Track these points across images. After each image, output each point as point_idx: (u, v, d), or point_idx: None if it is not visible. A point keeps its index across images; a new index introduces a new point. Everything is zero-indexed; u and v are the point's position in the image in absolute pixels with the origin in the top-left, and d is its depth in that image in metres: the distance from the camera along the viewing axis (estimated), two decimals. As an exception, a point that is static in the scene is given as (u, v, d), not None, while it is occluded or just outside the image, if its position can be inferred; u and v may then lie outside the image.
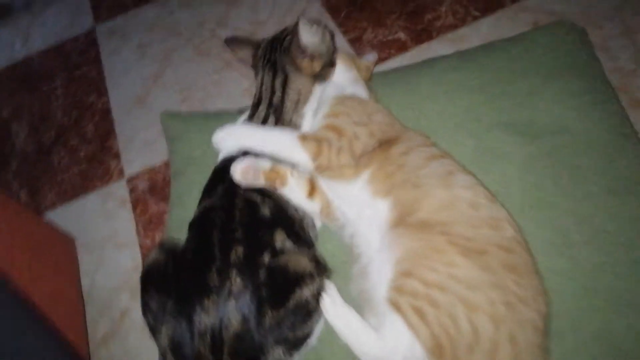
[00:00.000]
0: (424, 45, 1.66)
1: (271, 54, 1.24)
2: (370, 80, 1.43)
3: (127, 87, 1.87)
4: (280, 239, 1.02)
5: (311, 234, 1.17)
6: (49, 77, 1.98)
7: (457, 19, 1.69)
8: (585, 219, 1.12)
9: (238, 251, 0.95)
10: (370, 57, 1.47)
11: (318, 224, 1.22)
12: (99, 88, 1.88)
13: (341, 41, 1.75)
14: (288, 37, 1.24)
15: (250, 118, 1.23)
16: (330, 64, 1.26)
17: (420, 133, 1.23)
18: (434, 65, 1.44)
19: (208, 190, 1.13)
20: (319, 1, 1.88)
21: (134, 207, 1.56)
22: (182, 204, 1.36)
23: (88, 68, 1.96)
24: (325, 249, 1.17)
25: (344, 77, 1.34)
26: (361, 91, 1.32)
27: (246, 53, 1.29)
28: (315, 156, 1.11)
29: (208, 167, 1.20)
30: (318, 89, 1.24)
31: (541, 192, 1.17)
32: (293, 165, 1.16)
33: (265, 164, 1.13)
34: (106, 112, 1.82)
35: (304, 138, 1.13)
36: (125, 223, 1.52)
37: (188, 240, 1.03)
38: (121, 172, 1.66)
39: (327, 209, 1.19)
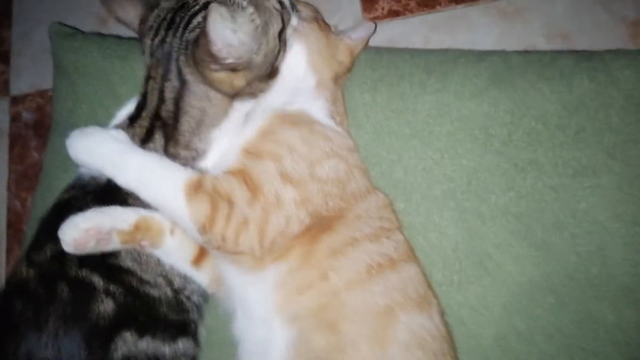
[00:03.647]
0: (460, 9, 1.11)
1: (166, 35, 0.77)
2: (350, 71, 0.95)
3: None
4: (127, 344, 0.75)
5: (196, 305, 0.87)
6: None
7: (525, -24, 1.11)
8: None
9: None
10: (362, 30, 0.97)
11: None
12: None
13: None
14: (199, 18, 0.75)
15: (132, 123, 0.81)
16: (269, 75, 0.79)
17: (384, 200, 0.84)
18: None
19: (35, 240, 0.77)
20: None
21: (11, 146, 1.21)
22: (53, 184, 1.02)
23: None
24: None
25: (295, 76, 0.87)
26: (319, 107, 0.87)
27: (130, 14, 0.81)
28: (204, 228, 0.76)
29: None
30: (240, 108, 0.80)
31: None
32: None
33: (126, 218, 0.77)
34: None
35: (195, 188, 0.77)
36: (-4, 166, 1.19)
37: None
38: (6, 85, 1.26)
39: (218, 280, 0.86)
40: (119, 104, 1.07)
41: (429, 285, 0.83)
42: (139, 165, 0.77)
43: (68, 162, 0.87)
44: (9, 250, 1.18)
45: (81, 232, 0.73)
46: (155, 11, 0.81)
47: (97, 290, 0.74)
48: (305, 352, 0.74)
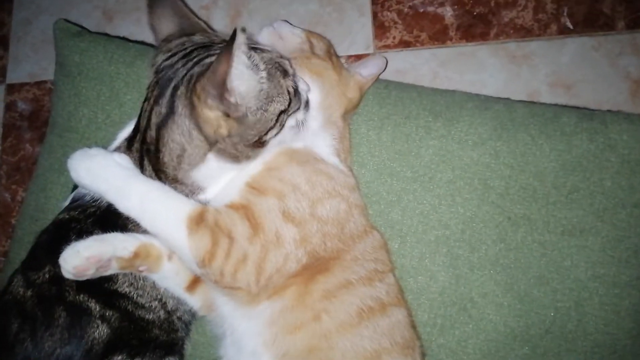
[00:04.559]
0: (470, 46, 1.13)
1: (177, 62, 0.77)
2: (358, 106, 0.96)
3: None
4: None
5: (185, 323, 0.88)
6: None
7: (537, 20, 1.12)
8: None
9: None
10: (373, 66, 0.97)
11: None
12: None
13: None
14: (212, 57, 0.75)
15: (129, 146, 0.81)
16: (255, 144, 0.80)
17: (379, 241, 0.86)
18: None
19: (33, 259, 0.78)
20: None
21: (4, 136, 1.19)
22: (47, 186, 1.01)
23: None
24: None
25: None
26: (325, 145, 0.88)
27: (163, 28, 0.83)
28: (203, 262, 0.78)
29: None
30: (216, 162, 0.80)
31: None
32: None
33: (126, 246, 0.77)
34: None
35: (197, 222, 0.78)
36: (-13, 156, 1.17)
37: None
38: (3, 71, 1.23)
39: (210, 306, 0.88)
40: (122, 111, 1.06)
41: (414, 327, 0.86)
42: (142, 193, 0.77)
43: (64, 165, 0.87)
44: (-5, 242, 1.18)
45: (82, 260, 0.73)
46: (183, 38, 0.81)
47: (94, 316, 0.75)
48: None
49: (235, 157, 0.79)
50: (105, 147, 0.90)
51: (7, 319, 0.73)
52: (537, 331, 0.90)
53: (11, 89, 1.26)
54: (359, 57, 1.15)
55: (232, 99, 0.73)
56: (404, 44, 1.18)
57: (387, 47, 1.17)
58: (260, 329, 0.79)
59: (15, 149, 1.23)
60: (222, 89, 0.72)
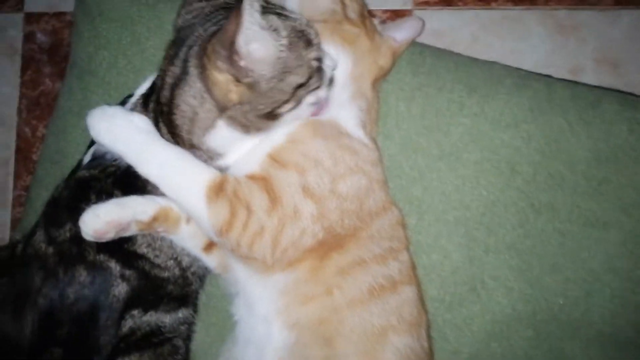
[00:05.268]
0: (516, 11, 1.03)
1: (195, 22, 0.75)
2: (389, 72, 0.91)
3: None
4: (134, 319, 0.80)
5: (199, 277, 0.92)
6: None
7: (592, -13, 1.02)
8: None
9: (55, 354, 0.75)
10: (408, 29, 0.91)
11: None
12: None
13: None
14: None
15: (145, 104, 0.81)
16: (267, 116, 0.75)
17: (397, 218, 0.85)
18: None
19: (54, 215, 0.78)
20: None
21: (23, 69, 1.15)
22: (67, 128, 1.00)
23: None
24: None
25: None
26: (352, 117, 0.85)
27: None
28: (221, 232, 0.79)
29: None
30: (225, 129, 0.77)
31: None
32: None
33: (145, 209, 0.78)
34: None
35: (216, 191, 0.78)
36: (7, 87, 1.14)
37: None
38: (20, 1, 1.16)
39: (226, 267, 0.90)
40: (144, 57, 1.02)
41: (423, 301, 0.87)
42: (162, 159, 0.76)
43: (83, 108, 0.85)
44: (17, 176, 1.18)
45: (102, 224, 0.74)
46: (203, 2, 0.76)
47: (114, 275, 0.77)
48: (300, 359, 0.80)
49: (246, 127, 0.76)
50: (126, 94, 0.89)
51: (30, 272, 0.76)
52: (543, 317, 0.91)
53: (29, 18, 1.20)
54: (395, 14, 1.07)
55: (242, 63, 0.69)
56: (445, 2, 1.08)
57: (427, 3, 1.08)
58: (273, 297, 0.81)
59: (34, 83, 1.20)
60: (230, 51, 0.67)
